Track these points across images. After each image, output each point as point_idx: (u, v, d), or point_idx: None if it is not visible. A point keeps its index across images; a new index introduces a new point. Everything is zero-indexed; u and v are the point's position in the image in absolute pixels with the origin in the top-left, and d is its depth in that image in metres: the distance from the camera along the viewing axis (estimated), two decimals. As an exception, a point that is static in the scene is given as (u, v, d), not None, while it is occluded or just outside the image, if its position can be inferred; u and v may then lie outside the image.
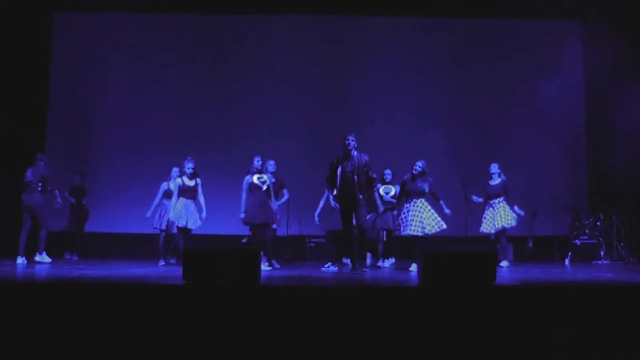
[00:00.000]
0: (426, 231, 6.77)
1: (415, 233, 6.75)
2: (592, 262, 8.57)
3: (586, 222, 9.00)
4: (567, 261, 8.69)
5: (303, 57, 10.42)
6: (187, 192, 7.77)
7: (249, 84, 10.34)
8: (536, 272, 6.55)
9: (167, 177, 8.37)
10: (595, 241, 8.82)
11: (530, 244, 9.39)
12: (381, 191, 7.79)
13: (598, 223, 8.92)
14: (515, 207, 7.93)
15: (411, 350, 4.03)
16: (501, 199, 7.90)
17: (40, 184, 7.51)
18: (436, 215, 6.91)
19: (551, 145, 10.19)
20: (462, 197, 8.58)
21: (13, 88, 9.72)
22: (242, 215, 7.17)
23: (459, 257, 4.58)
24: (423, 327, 4.09)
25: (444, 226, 6.86)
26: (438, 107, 10.31)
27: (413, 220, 6.79)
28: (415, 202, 6.87)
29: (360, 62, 10.43)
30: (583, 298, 4.27)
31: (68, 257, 8.89)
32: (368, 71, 10.41)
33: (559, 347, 4.00)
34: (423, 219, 6.79)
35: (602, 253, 8.74)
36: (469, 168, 9.41)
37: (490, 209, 7.96)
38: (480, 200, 8.12)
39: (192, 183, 7.82)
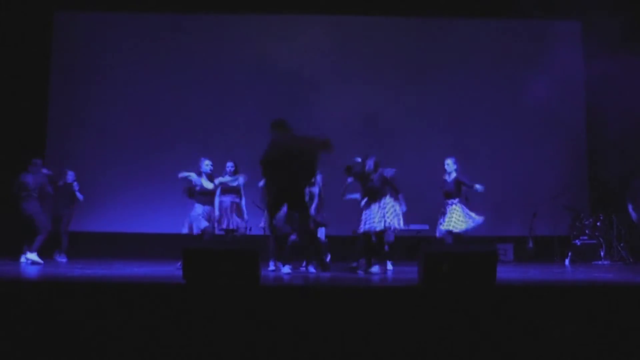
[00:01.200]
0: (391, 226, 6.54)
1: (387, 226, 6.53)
2: (592, 263, 8.56)
3: (586, 223, 8.99)
4: (567, 261, 8.69)
5: (304, 57, 10.40)
6: (207, 196, 6.88)
7: (249, 84, 10.33)
8: (536, 272, 6.55)
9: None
10: (595, 241, 8.82)
11: (530, 244, 9.39)
12: None
13: (598, 223, 8.91)
14: (477, 185, 7.07)
15: (411, 350, 4.03)
16: (456, 200, 7.17)
17: (38, 191, 7.44)
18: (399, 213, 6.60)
19: (551, 145, 10.20)
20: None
21: (13, 87, 9.72)
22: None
23: (459, 257, 4.58)
24: (423, 327, 4.09)
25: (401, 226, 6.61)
26: (438, 107, 10.31)
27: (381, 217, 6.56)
28: (385, 200, 6.73)
29: (360, 62, 10.42)
30: (583, 298, 4.27)
31: (58, 258, 8.44)
32: (367, 70, 10.40)
33: (559, 347, 4.00)
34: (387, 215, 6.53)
35: (602, 253, 8.73)
36: (469, 168, 9.38)
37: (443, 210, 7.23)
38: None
39: (211, 186, 6.94)
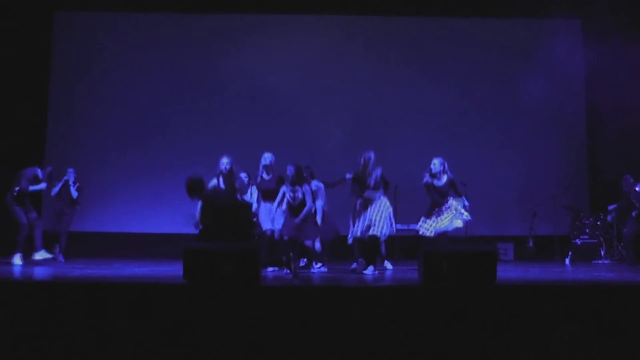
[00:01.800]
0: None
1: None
2: (593, 262, 8.56)
3: (586, 222, 8.98)
4: (567, 261, 8.68)
5: (303, 57, 10.39)
6: None
7: (249, 83, 10.32)
8: (536, 272, 6.55)
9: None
10: (595, 241, 8.82)
11: (531, 244, 9.38)
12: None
13: (598, 223, 8.91)
14: (464, 200, 6.99)
15: (411, 350, 4.03)
16: (450, 199, 6.97)
17: (19, 188, 7.54)
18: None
19: (552, 145, 10.19)
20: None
21: (13, 87, 9.71)
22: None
23: (459, 257, 4.57)
24: (423, 327, 4.09)
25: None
26: (438, 106, 10.29)
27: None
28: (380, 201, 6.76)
29: (360, 62, 10.41)
30: (583, 298, 4.27)
31: (62, 259, 8.35)
32: (367, 70, 10.39)
33: (559, 347, 4.00)
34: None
35: (602, 253, 8.73)
36: (468, 168, 9.40)
37: (438, 213, 6.95)
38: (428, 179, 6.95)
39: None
